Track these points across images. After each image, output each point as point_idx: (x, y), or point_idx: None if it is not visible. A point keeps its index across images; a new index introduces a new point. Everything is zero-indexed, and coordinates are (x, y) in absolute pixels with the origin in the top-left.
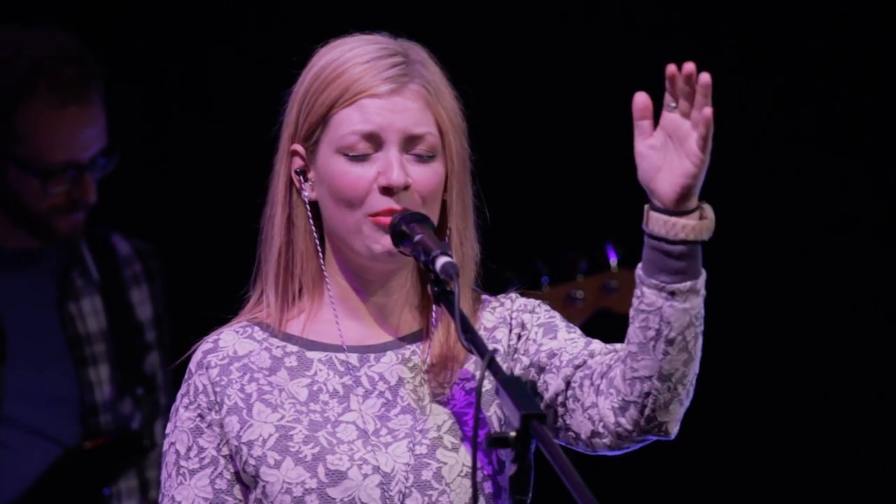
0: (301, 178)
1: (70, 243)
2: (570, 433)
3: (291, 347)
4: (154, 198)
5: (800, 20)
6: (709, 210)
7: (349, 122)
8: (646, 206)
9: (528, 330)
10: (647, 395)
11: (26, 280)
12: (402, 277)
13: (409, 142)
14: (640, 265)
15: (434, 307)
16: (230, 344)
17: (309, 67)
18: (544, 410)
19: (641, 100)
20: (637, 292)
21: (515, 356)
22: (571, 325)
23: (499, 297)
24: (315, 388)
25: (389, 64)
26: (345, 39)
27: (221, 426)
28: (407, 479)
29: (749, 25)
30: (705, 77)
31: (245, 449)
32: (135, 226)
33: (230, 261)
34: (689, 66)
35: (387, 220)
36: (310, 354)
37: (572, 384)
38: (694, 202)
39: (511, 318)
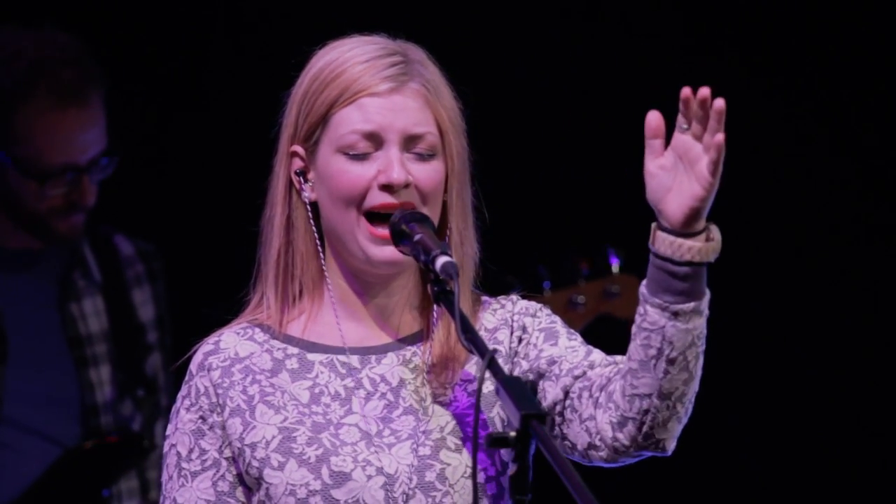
0: (301, 178)
1: (71, 244)
2: (567, 443)
3: (292, 349)
4: (157, 199)
5: (801, 20)
6: (715, 231)
7: (349, 122)
8: (653, 225)
9: (529, 334)
10: (646, 412)
11: (28, 280)
12: (403, 278)
13: (409, 141)
14: (644, 283)
15: (435, 308)
16: (231, 345)
17: (308, 69)
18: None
19: (654, 119)
20: (640, 310)
21: (515, 359)
22: (573, 331)
23: (499, 298)
24: (317, 390)
25: (389, 63)
26: (343, 40)
27: (223, 428)
28: (410, 480)
29: (749, 25)
30: (719, 103)
31: (248, 451)
32: (138, 227)
33: (233, 262)
34: (704, 91)
35: (384, 233)
36: (311, 356)
37: (571, 394)
38: (701, 224)
39: (512, 321)
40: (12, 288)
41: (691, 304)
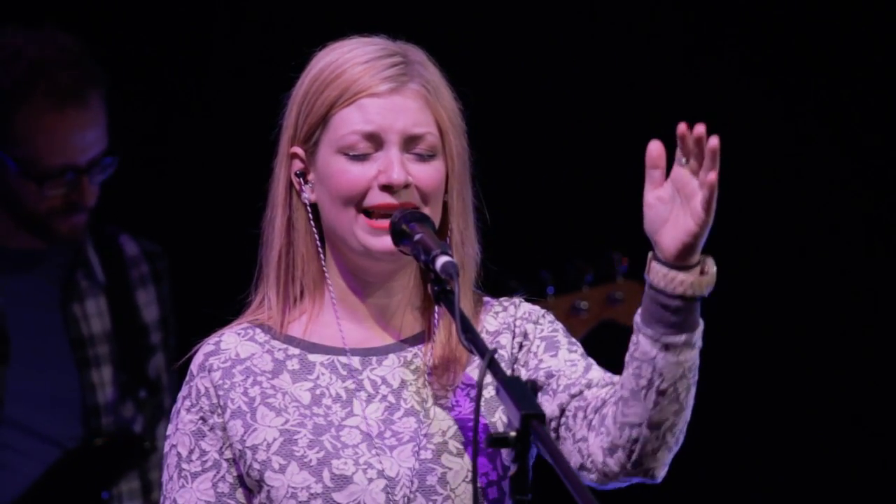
0: (301, 180)
1: (73, 244)
2: None
3: (293, 350)
4: (162, 199)
5: (801, 20)
6: (710, 265)
7: (349, 122)
8: (649, 255)
9: (530, 341)
10: (636, 441)
11: (30, 280)
12: (403, 278)
13: (409, 141)
14: (639, 311)
15: (436, 309)
16: (232, 346)
17: (307, 70)
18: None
19: (655, 149)
20: (633, 339)
21: (515, 365)
22: (574, 341)
23: (501, 300)
24: (318, 392)
25: (389, 63)
26: (343, 42)
27: (224, 429)
28: (412, 483)
29: (750, 25)
30: (713, 142)
31: (249, 453)
32: (143, 227)
33: (238, 262)
34: (700, 129)
35: (382, 223)
36: (312, 357)
37: (566, 413)
38: (696, 258)
39: (514, 326)
40: (15, 288)
41: (682, 337)
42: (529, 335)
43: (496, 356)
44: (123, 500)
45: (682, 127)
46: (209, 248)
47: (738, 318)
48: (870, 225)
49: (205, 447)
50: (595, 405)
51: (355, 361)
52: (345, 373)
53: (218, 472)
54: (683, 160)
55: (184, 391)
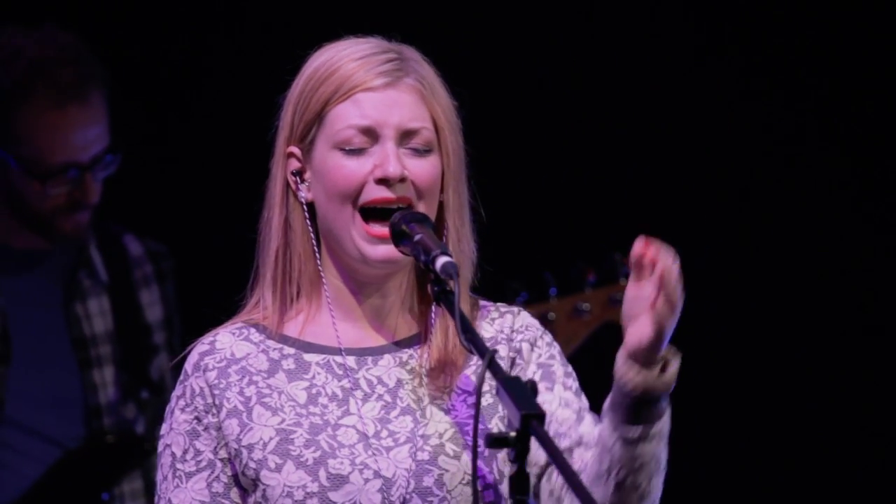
0: (297, 179)
1: (76, 243)
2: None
3: (288, 349)
4: (167, 199)
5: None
6: (674, 363)
7: (345, 117)
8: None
9: (525, 363)
10: None
11: (33, 280)
12: (399, 279)
13: (404, 136)
14: (605, 404)
15: (432, 311)
16: (227, 346)
17: (303, 70)
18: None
19: (637, 250)
20: (600, 423)
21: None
22: (569, 369)
23: (499, 305)
24: (314, 391)
25: (384, 59)
26: (337, 42)
27: (219, 429)
28: (408, 484)
29: (750, 26)
30: (658, 269)
31: (245, 452)
32: (148, 227)
33: (245, 263)
34: (651, 253)
35: (380, 231)
36: (307, 357)
37: (550, 467)
38: (656, 357)
39: (511, 338)
40: (17, 287)
41: (639, 430)
42: (524, 355)
43: (495, 355)
44: (126, 500)
45: (637, 249)
46: (215, 248)
47: (737, 319)
48: (867, 225)
49: (199, 447)
50: (577, 468)
51: (351, 361)
52: (340, 372)
53: (212, 472)
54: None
55: (178, 391)
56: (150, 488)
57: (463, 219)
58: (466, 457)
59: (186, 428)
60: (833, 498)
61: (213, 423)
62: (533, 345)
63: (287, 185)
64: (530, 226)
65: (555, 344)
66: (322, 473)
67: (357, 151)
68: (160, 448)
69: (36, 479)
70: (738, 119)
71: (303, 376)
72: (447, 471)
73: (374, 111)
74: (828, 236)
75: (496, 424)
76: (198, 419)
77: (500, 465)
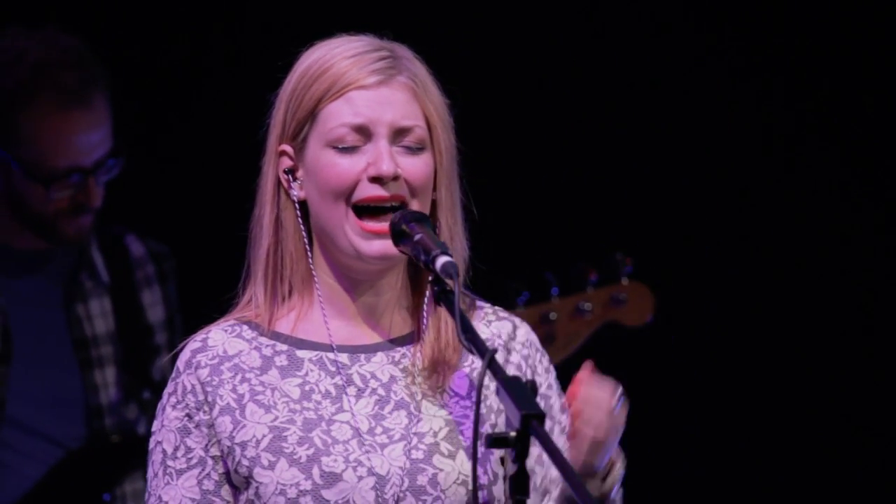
0: (289, 177)
1: (78, 245)
2: None
3: (281, 346)
4: (169, 199)
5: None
6: (617, 469)
7: (338, 115)
8: None
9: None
10: None
11: (34, 281)
12: (392, 277)
13: (397, 134)
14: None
15: (424, 310)
16: (219, 343)
17: (295, 68)
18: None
19: (583, 376)
20: None
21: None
22: (563, 399)
23: (497, 309)
24: (307, 388)
25: (376, 57)
26: (330, 40)
27: (211, 426)
28: (402, 482)
29: (751, 25)
30: (574, 410)
31: (238, 450)
32: (150, 227)
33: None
34: (573, 390)
35: (373, 227)
36: (300, 353)
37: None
38: (594, 472)
39: (510, 347)
40: (18, 288)
41: None
42: (522, 373)
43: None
44: (127, 500)
45: (572, 389)
46: (216, 248)
47: (738, 318)
48: (866, 226)
49: (190, 444)
50: None
51: (343, 358)
52: (333, 369)
53: (203, 470)
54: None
55: (169, 388)
56: None
57: (455, 217)
58: (461, 456)
59: (178, 425)
60: (832, 498)
61: (205, 421)
62: (533, 370)
63: (278, 183)
64: (532, 226)
65: (551, 369)
66: (315, 471)
67: (350, 149)
68: (151, 445)
69: (37, 480)
70: (739, 119)
71: (296, 373)
72: (441, 470)
73: (367, 109)
74: (827, 236)
75: (486, 428)
76: (189, 416)
77: (494, 466)
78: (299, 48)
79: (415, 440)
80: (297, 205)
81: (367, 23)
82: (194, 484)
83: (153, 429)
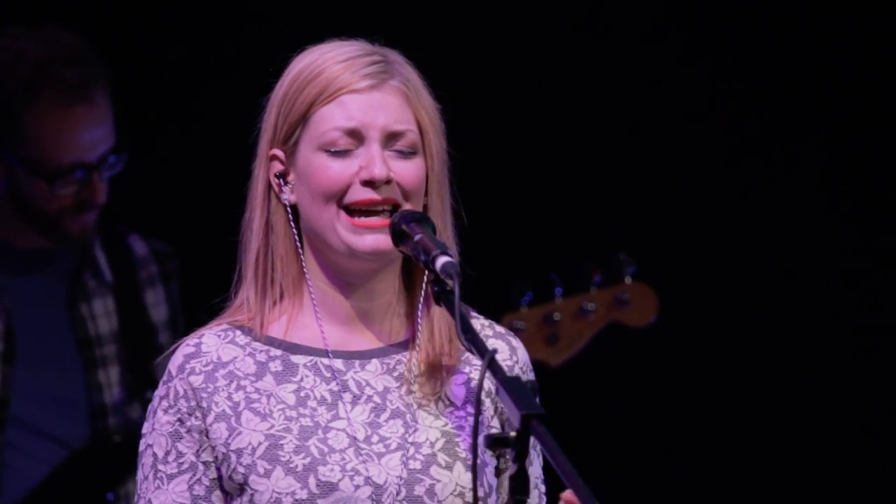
0: (280, 181)
1: (82, 243)
2: None
3: (275, 351)
4: (172, 199)
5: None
6: None
7: (330, 119)
8: None
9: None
10: None
11: (38, 280)
12: (386, 281)
13: (389, 138)
14: None
15: (419, 316)
16: (213, 349)
17: (287, 72)
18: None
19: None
20: None
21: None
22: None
23: (493, 323)
24: (302, 394)
25: (368, 62)
26: (321, 45)
27: (202, 432)
28: (399, 492)
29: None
30: None
31: (234, 457)
32: (154, 227)
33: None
34: None
35: (364, 221)
36: (294, 359)
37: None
38: None
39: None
40: (22, 288)
41: None
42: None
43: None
44: (130, 500)
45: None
46: (220, 248)
47: (738, 318)
48: (866, 225)
49: (182, 449)
50: None
51: (338, 363)
52: (328, 374)
53: (194, 475)
54: None
55: (161, 391)
56: None
57: (446, 221)
58: (458, 468)
59: (169, 429)
60: (834, 498)
61: (197, 426)
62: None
63: (269, 187)
64: (535, 226)
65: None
66: (312, 480)
67: (342, 153)
68: (141, 447)
69: (41, 479)
70: (742, 119)
71: (291, 378)
72: (438, 481)
73: (359, 113)
74: (830, 237)
75: (466, 438)
76: (181, 421)
77: (490, 477)
78: (299, 48)
79: (412, 450)
80: (288, 208)
81: (358, 28)
82: (185, 489)
83: (143, 431)
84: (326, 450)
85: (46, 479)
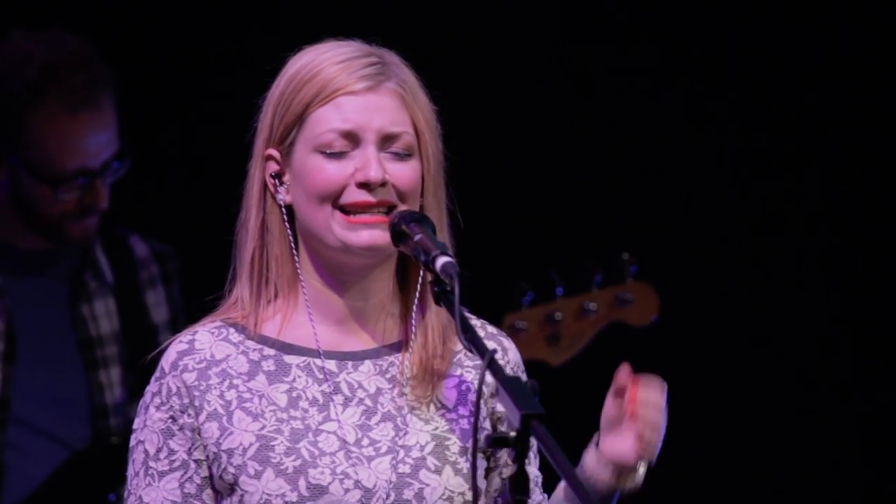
0: (276, 181)
1: (82, 246)
2: None
3: (268, 350)
4: (170, 200)
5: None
6: (641, 468)
7: (326, 121)
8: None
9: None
10: None
11: (39, 281)
12: (380, 281)
13: (385, 140)
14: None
15: (412, 318)
16: (206, 346)
17: (283, 72)
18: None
19: (622, 377)
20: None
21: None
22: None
23: (485, 323)
24: (294, 394)
25: (365, 63)
26: (318, 45)
27: (194, 430)
28: (388, 496)
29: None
30: (632, 409)
31: (224, 457)
32: (154, 228)
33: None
34: (631, 393)
35: (359, 218)
36: (287, 359)
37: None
38: (630, 469)
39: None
40: (23, 288)
41: None
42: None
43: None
44: None
45: (620, 379)
46: (220, 249)
47: (739, 317)
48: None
49: (173, 446)
50: None
51: (331, 365)
52: (321, 376)
53: (185, 473)
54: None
55: (153, 387)
56: None
57: (441, 223)
58: (447, 472)
59: (161, 426)
60: (835, 498)
61: (189, 424)
62: None
63: (265, 186)
64: (537, 226)
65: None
66: (302, 483)
67: (338, 155)
68: (132, 443)
69: (42, 480)
70: (743, 119)
71: (283, 378)
72: (428, 485)
73: (355, 115)
74: (832, 236)
75: (456, 442)
76: (173, 418)
77: (479, 481)
78: (296, 49)
79: (401, 453)
80: (283, 209)
81: (356, 28)
82: (176, 486)
83: (134, 426)
84: (317, 452)
85: (48, 480)
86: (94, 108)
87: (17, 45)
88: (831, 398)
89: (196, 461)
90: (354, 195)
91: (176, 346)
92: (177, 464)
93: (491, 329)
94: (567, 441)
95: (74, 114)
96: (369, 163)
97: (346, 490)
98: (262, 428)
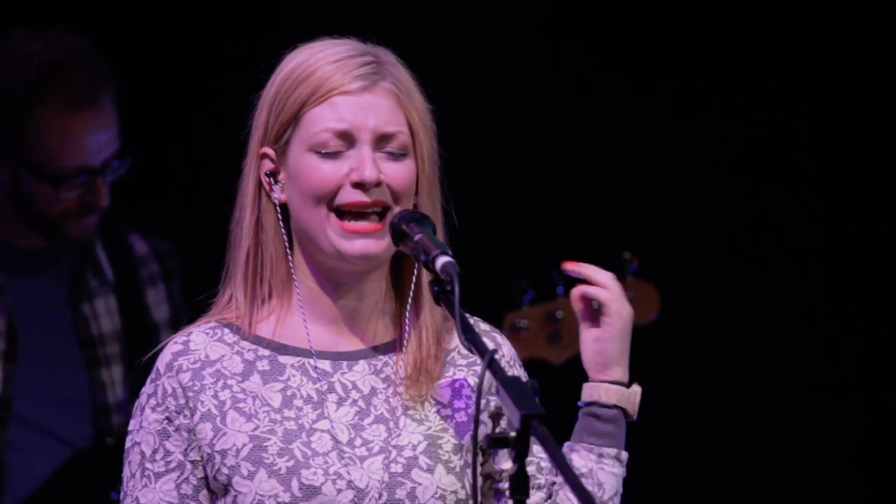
0: (271, 180)
1: (83, 244)
2: None
3: (263, 351)
4: (170, 198)
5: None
6: (636, 388)
7: (321, 120)
8: (584, 384)
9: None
10: None
11: (40, 280)
12: (375, 282)
13: (380, 140)
14: (568, 443)
15: (406, 318)
16: (201, 347)
17: (278, 70)
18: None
19: (574, 296)
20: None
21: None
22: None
23: (478, 321)
24: (289, 393)
25: (360, 62)
26: (313, 43)
27: (190, 431)
28: (380, 496)
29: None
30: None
31: (218, 457)
32: (154, 226)
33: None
34: (573, 268)
35: (354, 226)
36: (282, 359)
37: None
38: (619, 372)
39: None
40: (24, 287)
41: (614, 450)
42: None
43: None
44: None
45: (566, 267)
46: (221, 248)
47: (740, 317)
48: (869, 225)
49: (169, 448)
50: None
51: (325, 364)
52: (315, 375)
53: (182, 474)
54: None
55: (149, 388)
56: None
57: (437, 222)
58: (440, 471)
59: (157, 428)
60: (836, 498)
61: (185, 425)
62: None
63: (259, 185)
64: (537, 224)
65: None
66: (294, 483)
67: (333, 154)
68: (128, 444)
69: (44, 478)
70: (744, 118)
71: (278, 378)
72: (420, 484)
73: (350, 115)
74: (833, 236)
75: (449, 441)
76: (169, 420)
77: (469, 479)
78: (291, 47)
79: (394, 453)
80: (277, 207)
81: (351, 26)
82: (172, 488)
83: (130, 428)
84: (310, 453)
85: (50, 479)
86: (94, 107)
87: (18, 45)
88: (831, 398)
89: (192, 462)
90: (349, 195)
91: (171, 347)
92: (173, 465)
93: (483, 326)
94: (567, 441)
95: (75, 112)
96: (364, 163)
97: (339, 490)
98: (256, 428)
